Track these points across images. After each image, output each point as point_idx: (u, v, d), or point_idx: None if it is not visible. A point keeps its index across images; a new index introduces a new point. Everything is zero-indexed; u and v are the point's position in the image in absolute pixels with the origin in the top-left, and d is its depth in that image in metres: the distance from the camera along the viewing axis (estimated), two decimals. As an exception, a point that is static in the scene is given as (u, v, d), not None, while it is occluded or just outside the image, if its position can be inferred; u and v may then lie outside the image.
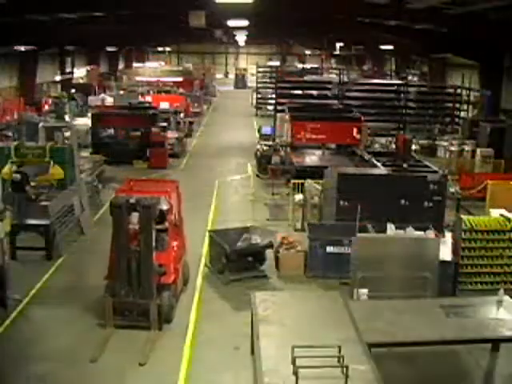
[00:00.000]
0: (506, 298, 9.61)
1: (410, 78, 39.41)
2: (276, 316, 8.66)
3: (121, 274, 10.11)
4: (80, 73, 46.23)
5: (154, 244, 10.05)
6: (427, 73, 39.58)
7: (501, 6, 18.22)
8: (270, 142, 24.48)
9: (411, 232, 12.06)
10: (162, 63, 66.50)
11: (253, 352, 8.55)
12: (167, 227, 10.81)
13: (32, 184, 15.72)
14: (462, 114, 30.47)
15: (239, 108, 46.57)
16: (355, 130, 21.40)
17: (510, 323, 8.98)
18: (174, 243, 11.43)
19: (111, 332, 10.10)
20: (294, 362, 7.01)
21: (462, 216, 12.09)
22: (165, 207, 10.74)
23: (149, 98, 33.97)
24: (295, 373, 6.84)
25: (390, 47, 39.14)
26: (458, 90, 30.43)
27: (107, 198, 18.36)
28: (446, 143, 25.12)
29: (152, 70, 57.39)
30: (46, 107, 33.07)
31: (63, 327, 10.43)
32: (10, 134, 23.74)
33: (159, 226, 10.61)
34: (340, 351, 7.20)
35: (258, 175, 22.00)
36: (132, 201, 10.00)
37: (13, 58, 32.69)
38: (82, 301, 11.30)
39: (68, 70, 42.56)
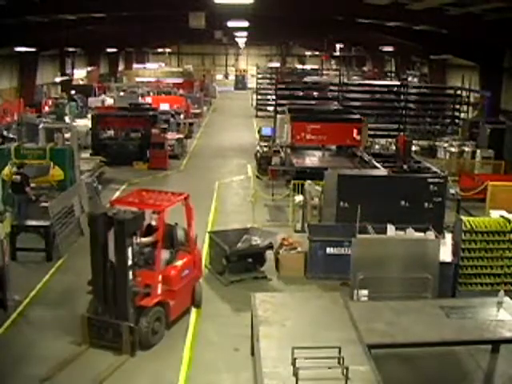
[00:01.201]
0: (506, 299, 9.60)
1: (410, 79, 39.41)
2: (276, 317, 8.66)
3: (98, 291, 9.62)
4: (80, 74, 46.25)
5: (130, 262, 9.33)
6: (427, 74, 39.60)
7: (500, 7, 18.24)
8: (270, 143, 24.49)
9: (411, 233, 12.04)
10: (162, 64, 66.52)
11: (253, 353, 8.55)
12: (151, 243, 10.29)
13: (32, 185, 15.76)
14: (462, 115, 30.46)
15: (239, 109, 46.60)
16: (355, 131, 21.39)
17: (510, 324, 8.97)
18: (178, 262, 10.67)
19: (82, 350, 9.52)
20: (294, 363, 7.01)
21: (462, 217, 12.09)
22: (153, 222, 10.41)
23: (149, 100, 33.97)
24: (295, 374, 6.84)
25: (390, 48, 39.18)
26: (458, 91, 30.44)
27: (107, 199, 18.47)
28: (446, 144, 25.12)
29: (152, 71, 57.48)
30: (46, 108, 33.09)
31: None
32: (12, 135, 23.76)
33: (146, 240, 10.21)
34: (340, 352, 7.20)
35: (258, 176, 22.01)
36: (110, 214, 9.39)
37: (13, 59, 32.70)
38: (81, 302, 11.27)
39: (68, 71, 42.56)
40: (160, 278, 10.00)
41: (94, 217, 9.62)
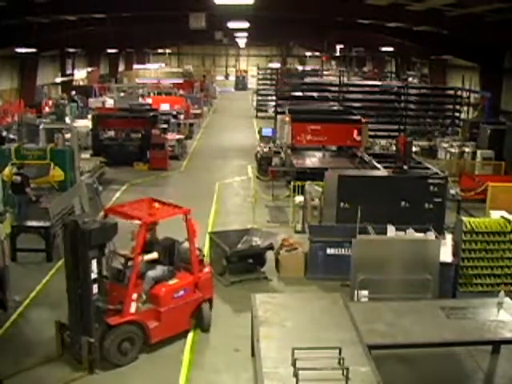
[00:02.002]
0: (507, 299, 9.60)
1: (410, 79, 39.41)
2: (276, 318, 8.66)
3: (69, 301, 9.16)
4: (80, 75, 46.29)
5: (94, 275, 8.81)
6: (427, 74, 39.60)
7: (501, 7, 18.25)
8: (271, 144, 24.49)
9: (412, 234, 12.05)
10: (163, 65, 66.59)
11: (253, 354, 8.55)
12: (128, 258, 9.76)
13: (32, 186, 15.76)
14: (463, 115, 30.47)
15: (240, 110, 46.60)
16: (355, 132, 21.40)
17: (511, 325, 8.98)
18: (172, 281, 9.93)
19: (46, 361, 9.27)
20: (294, 364, 7.01)
21: (463, 218, 12.10)
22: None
23: (149, 100, 33.98)
24: (295, 375, 6.84)
25: (391, 49, 39.15)
26: (459, 92, 30.44)
27: (108, 200, 18.50)
28: (446, 145, 25.12)
29: (152, 71, 57.49)
30: (47, 109, 33.10)
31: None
32: (12, 136, 23.77)
33: (124, 253, 9.73)
34: (340, 353, 7.20)
35: (258, 177, 22.00)
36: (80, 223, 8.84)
37: (13, 60, 32.72)
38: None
39: (68, 71, 42.61)
40: (134, 296, 9.30)
41: (65, 224, 9.23)
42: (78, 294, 8.98)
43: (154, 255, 9.91)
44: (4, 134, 23.81)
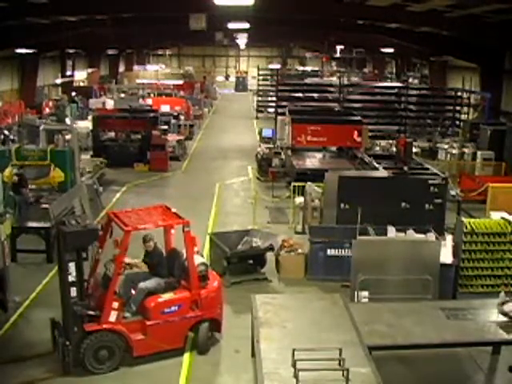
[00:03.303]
0: (507, 300, 9.59)
1: (410, 80, 39.42)
2: (276, 319, 8.66)
3: (61, 303, 9.10)
4: (81, 76, 46.27)
5: (71, 278, 8.72)
6: (428, 75, 39.61)
7: (501, 8, 18.26)
8: (271, 145, 24.49)
9: (412, 235, 12.04)
10: (163, 66, 66.60)
11: (253, 355, 8.53)
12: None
13: (32, 186, 15.76)
14: (463, 116, 30.48)
15: (240, 111, 46.62)
16: (356, 133, 21.41)
17: (511, 326, 8.97)
18: (166, 295, 9.45)
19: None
20: (294, 365, 7.01)
21: (463, 218, 12.09)
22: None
23: (149, 101, 33.99)
24: (296, 376, 6.84)
25: (391, 50, 39.19)
26: (459, 93, 30.45)
27: (108, 201, 18.50)
28: (446, 146, 25.12)
29: (153, 72, 57.53)
30: (47, 110, 33.11)
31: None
32: (12, 136, 23.78)
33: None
34: (341, 354, 7.20)
35: (258, 178, 22.02)
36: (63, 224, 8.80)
37: (14, 61, 32.75)
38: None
39: (69, 72, 42.61)
40: (115, 304, 9.03)
41: (57, 225, 9.24)
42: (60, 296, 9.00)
43: (136, 261, 9.74)
44: (7, 133, 23.82)
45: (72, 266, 8.73)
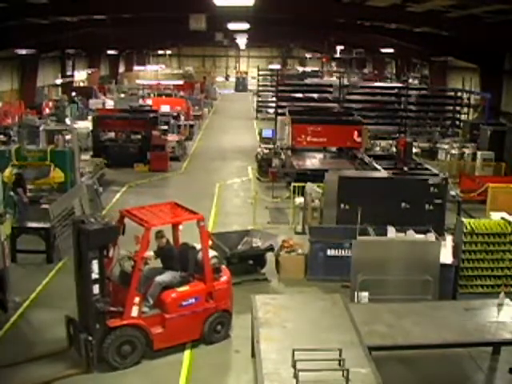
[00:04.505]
0: (507, 301, 9.61)
1: (410, 81, 39.42)
2: (276, 319, 8.66)
3: (77, 299, 9.29)
4: (81, 76, 46.29)
5: (94, 276, 8.83)
6: (428, 76, 39.59)
7: (501, 9, 18.26)
8: (271, 145, 24.49)
9: (412, 235, 12.04)
10: (163, 66, 66.61)
11: (253, 355, 8.54)
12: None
13: (32, 187, 15.75)
14: (463, 116, 30.47)
15: (240, 111, 46.63)
16: (356, 133, 21.41)
17: (511, 326, 8.97)
18: (182, 288, 9.68)
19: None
20: (294, 366, 7.02)
21: (463, 219, 12.10)
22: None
23: (149, 101, 33.99)
24: (296, 376, 6.85)
25: (391, 50, 39.17)
26: (459, 93, 30.44)
27: (108, 201, 18.50)
28: (446, 146, 25.11)
29: (153, 73, 57.53)
30: (47, 110, 33.11)
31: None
32: (13, 137, 23.77)
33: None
34: (341, 354, 7.20)
35: (258, 178, 22.02)
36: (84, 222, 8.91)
37: (14, 61, 32.75)
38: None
39: (69, 73, 42.62)
40: (137, 299, 9.19)
41: (73, 223, 9.29)
42: (80, 293, 9.09)
43: (150, 253, 9.86)
44: (11, 133, 23.82)
45: (95, 264, 8.85)
